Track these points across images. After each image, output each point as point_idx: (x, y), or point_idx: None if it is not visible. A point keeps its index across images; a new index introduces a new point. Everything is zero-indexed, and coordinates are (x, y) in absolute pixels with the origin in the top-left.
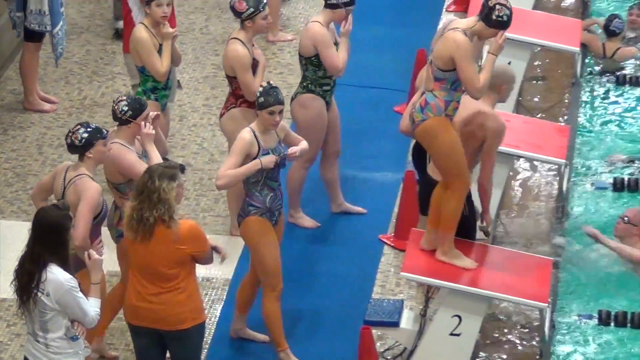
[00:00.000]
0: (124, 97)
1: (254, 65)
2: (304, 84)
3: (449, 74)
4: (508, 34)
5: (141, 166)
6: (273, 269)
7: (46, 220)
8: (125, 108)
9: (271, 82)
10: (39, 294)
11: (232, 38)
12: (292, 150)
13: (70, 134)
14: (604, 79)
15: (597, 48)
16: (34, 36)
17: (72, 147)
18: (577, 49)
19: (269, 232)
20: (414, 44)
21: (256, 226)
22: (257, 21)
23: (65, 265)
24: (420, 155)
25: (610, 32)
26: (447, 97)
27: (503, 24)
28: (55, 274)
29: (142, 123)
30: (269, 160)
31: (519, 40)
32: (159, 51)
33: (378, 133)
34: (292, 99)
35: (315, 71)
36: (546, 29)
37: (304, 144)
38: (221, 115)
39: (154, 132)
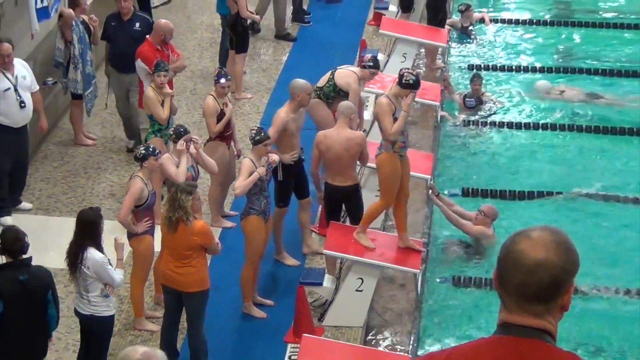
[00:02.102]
0: (174, 127)
1: (221, 114)
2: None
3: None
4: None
5: (171, 170)
6: (259, 252)
7: (84, 218)
8: (172, 132)
9: (259, 126)
10: (82, 267)
11: (209, 95)
12: (272, 158)
13: (136, 150)
14: (458, 124)
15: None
16: (75, 96)
17: (135, 159)
18: (438, 103)
19: (262, 227)
20: None
21: (255, 223)
22: (218, 88)
23: (99, 247)
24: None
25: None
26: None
27: (411, 86)
28: (92, 254)
29: (181, 142)
30: (261, 170)
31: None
32: (162, 104)
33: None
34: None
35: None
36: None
37: (276, 157)
38: (204, 145)
39: (184, 149)
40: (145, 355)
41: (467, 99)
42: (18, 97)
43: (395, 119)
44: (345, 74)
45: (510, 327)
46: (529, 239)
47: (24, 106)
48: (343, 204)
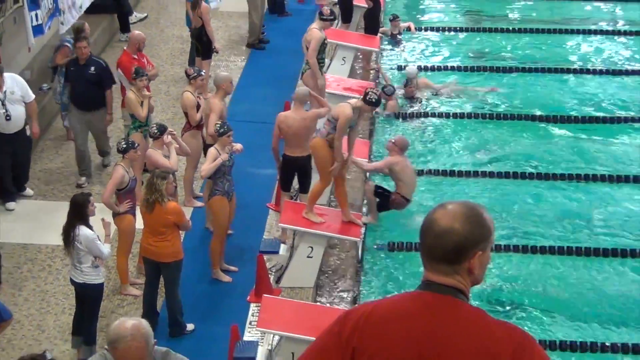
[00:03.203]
0: (155, 125)
1: (198, 106)
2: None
3: (335, 122)
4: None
5: (163, 161)
6: (224, 226)
7: (76, 201)
8: (155, 130)
9: (224, 121)
10: (75, 242)
11: (185, 91)
12: (236, 147)
13: (117, 144)
14: (391, 115)
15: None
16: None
17: (118, 151)
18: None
19: (226, 206)
20: None
21: (219, 202)
22: (197, 80)
23: (88, 226)
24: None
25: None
26: (330, 131)
27: (372, 104)
28: (83, 231)
29: (165, 136)
30: (224, 156)
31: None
32: (142, 105)
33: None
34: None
35: None
36: (354, 90)
37: (239, 145)
38: (182, 135)
39: (171, 141)
40: (134, 328)
41: (385, 89)
42: (4, 111)
43: (351, 128)
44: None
45: (430, 284)
46: (443, 209)
47: (9, 119)
48: (296, 172)
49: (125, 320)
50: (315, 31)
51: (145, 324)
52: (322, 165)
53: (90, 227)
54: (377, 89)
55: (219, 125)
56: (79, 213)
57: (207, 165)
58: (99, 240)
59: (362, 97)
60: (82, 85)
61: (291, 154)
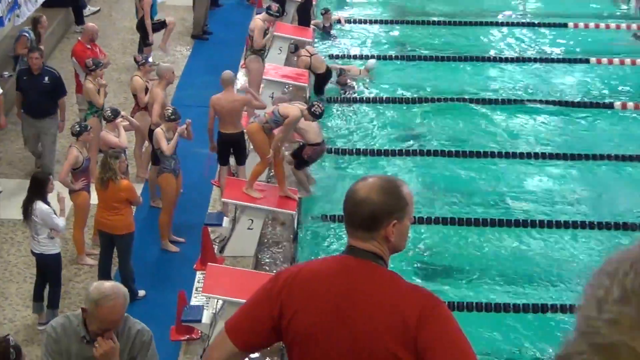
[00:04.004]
0: (109, 109)
1: (146, 90)
2: None
3: (280, 118)
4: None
5: (115, 140)
6: (172, 201)
7: (36, 178)
8: (110, 113)
9: (174, 107)
10: (33, 216)
11: (134, 76)
12: (181, 128)
13: (71, 128)
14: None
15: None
16: None
17: (72, 134)
18: (306, 84)
19: (173, 182)
20: None
21: (167, 179)
22: (146, 66)
23: (45, 201)
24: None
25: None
26: (269, 121)
27: (316, 116)
28: (40, 205)
29: (119, 119)
30: (177, 137)
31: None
32: (98, 92)
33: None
34: None
35: None
36: (290, 77)
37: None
38: (132, 115)
39: (120, 121)
40: (115, 287)
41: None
42: None
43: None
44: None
45: (352, 249)
46: (364, 182)
47: None
48: (232, 148)
49: (102, 282)
50: (258, 21)
51: (120, 284)
52: (259, 148)
53: (47, 203)
54: (323, 104)
55: (170, 111)
56: (38, 189)
57: (165, 145)
58: (55, 214)
59: (308, 107)
60: (35, 94)
61: (226, 131)
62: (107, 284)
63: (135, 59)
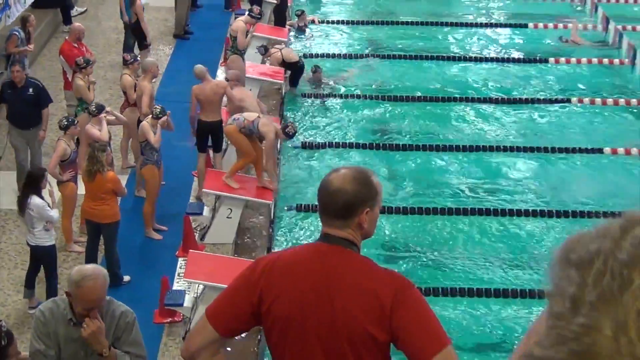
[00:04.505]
0: (94, 104)
1: (135, 86)
2: None
3: (256, 130)
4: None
5: (97, 134)
6: (155, 191)
7: (32, 174)
8: (94, 109)
9: (161, 105)
10: (28, 210)
11: (124, 74)
12: (161, 120)
13: (59, 122)
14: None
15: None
16: None
17: (60, 128)
18: (282, 81)
19: (156, 173)
20: None
21: (151, 170)
22: (134, 65)
23: (40, 196)
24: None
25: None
26: (247, 128)
27: (289, 136)
28: (35, 200)
29: (102, 114)
30: (158, 132)
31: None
32: (89, 89)
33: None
34: None
35: None
36: (267, 74)
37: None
38: (122, 111)
39: (104, 116)
40: (95, 269)
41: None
42: None
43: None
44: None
45: (327, 237)
46: (337, 173)
47: None
48: (210, 135)
49: (84, 265)
50: (240, 23)
51: (101, 267)
52: (239, 146)
53: (42, 197)
54: (296, 125)
55: (159, 110)
56: (33, 185)
57: (153, 137)
58: (49, 207)
59: (282, 127)
60: (20, 106)
61: (205, 119)
62: (88, 266)
63: (124, 58)
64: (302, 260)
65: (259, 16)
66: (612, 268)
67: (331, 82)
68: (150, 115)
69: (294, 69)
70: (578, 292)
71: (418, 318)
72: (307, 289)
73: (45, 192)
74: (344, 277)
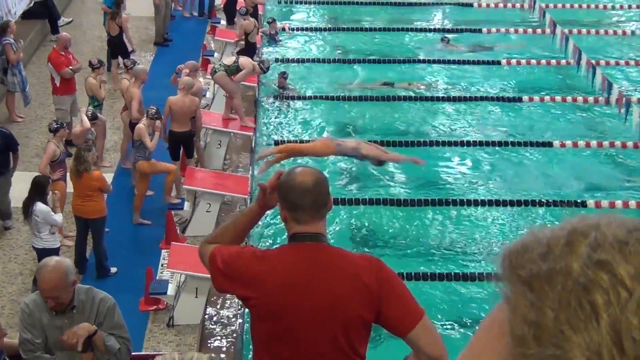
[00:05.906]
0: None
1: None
2: None
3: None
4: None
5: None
6: (146, 184)
7: (38, 181)
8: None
9: (156, 107)
10: (34, 215)
11: (124, 79)
12: (157, 123)
13: (49, 125)
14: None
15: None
16: (11, 91)
17: (49, 130)
18: (255, 84)
19: (147, 168)
20: None
21: (144, 165)
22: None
23: (45, 202)
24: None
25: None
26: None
27: (264, 70)
28: (40, 206)
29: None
30: (156, 138)
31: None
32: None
33: None
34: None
35: None
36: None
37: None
38: (121, 113)
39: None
40: (57, 262)
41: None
42: None
43: None
44: (246, 60)
45: (303, 236)
46: (302, 173)
47: None
48: (182, 144)
49: (52, 257)
50: (250, 65)
51: (68, 262)
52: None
53: (46, 203)
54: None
55: (154, 111)
56: (39, 192)
57: (149, 141)
58: (53, 211)
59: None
60: None
61: (177, 130)
62: (56, 258)
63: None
64: (289, 261)
65: (266, 71)
66: (575, 293)
67: (295, 87)
68: (145, 117)
69: (251, 49)
70: (541, 318)
71: (397, 292)
72: (299, 286)
73: (49, 198)
74: (329, 268)
